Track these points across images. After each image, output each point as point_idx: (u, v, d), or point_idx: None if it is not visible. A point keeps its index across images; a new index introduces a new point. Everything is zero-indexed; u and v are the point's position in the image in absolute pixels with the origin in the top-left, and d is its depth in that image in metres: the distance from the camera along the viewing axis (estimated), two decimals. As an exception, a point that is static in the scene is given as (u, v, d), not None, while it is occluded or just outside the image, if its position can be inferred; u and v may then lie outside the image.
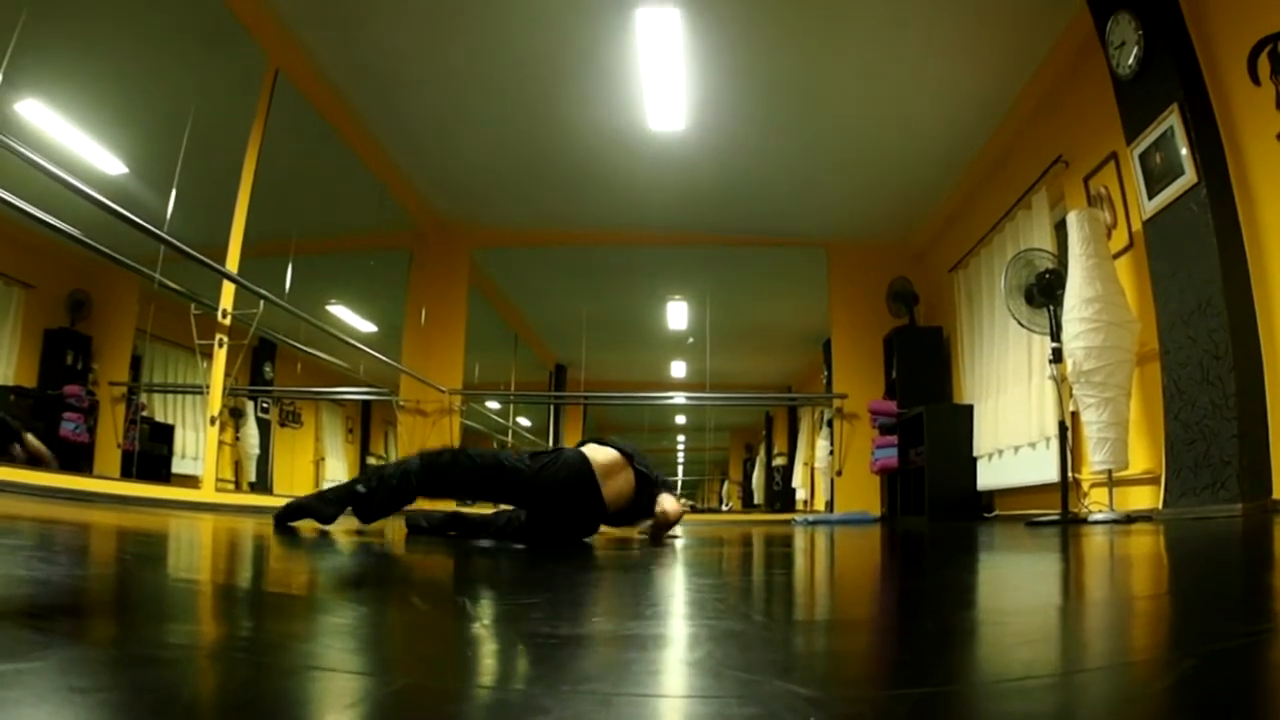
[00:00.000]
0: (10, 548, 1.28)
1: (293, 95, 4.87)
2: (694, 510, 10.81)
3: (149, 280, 3.78)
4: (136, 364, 4.50)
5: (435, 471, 2.60)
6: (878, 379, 7.16)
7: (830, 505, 7.31)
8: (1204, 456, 3.03)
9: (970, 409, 5.66)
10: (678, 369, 9.88)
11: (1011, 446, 4.98)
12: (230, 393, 4.37)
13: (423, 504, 2.72)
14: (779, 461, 10.15)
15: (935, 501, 5.48)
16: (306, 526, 2.52)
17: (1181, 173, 3.19)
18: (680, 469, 11.83)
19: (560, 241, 7.69)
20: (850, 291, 7.51)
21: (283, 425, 6.16)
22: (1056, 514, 3.84)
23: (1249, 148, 3.07)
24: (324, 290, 6.33)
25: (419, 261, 7.37)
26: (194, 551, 1.77)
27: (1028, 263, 4.17)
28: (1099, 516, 3.50)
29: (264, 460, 5.64)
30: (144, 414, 4.51)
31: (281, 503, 2.64)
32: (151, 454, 4.44)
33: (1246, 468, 2.85)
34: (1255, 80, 2.95)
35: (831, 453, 7.27)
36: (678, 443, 11.81)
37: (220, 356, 4.13)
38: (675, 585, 1.34)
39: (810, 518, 6.93)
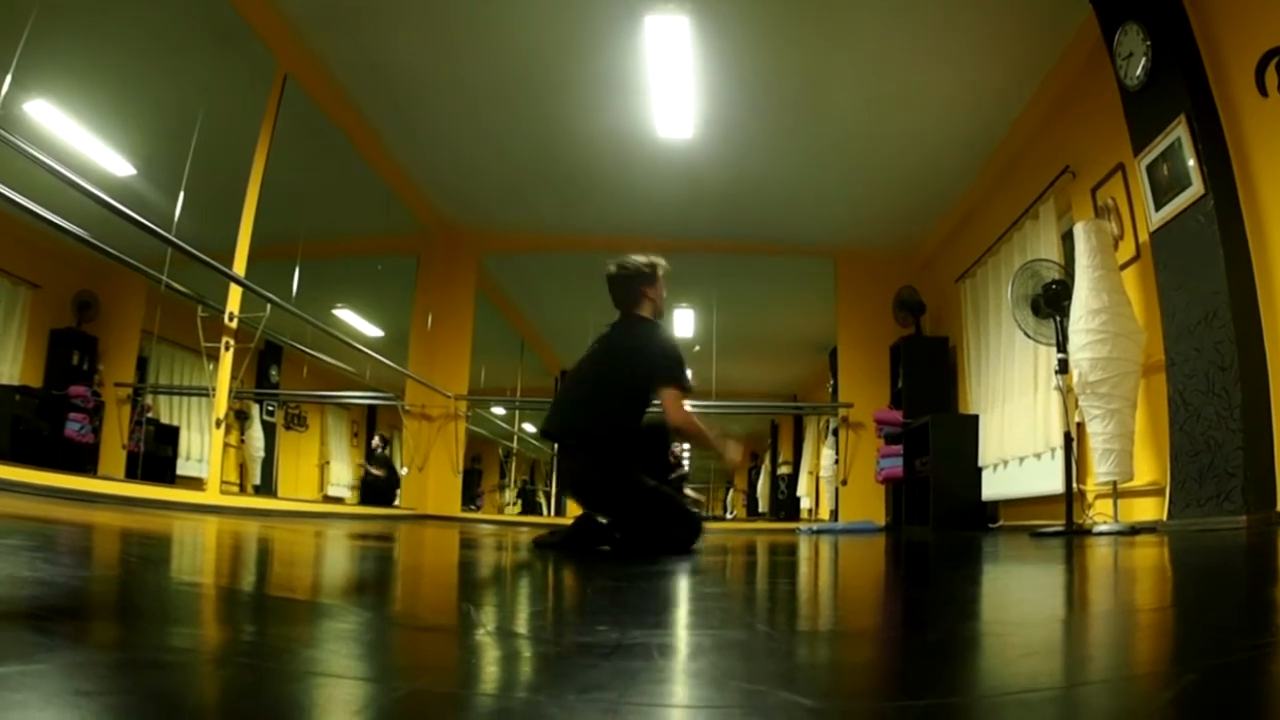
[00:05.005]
0: (14, 548, 1.29)
1: (301, 99, 4.88)
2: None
3: (156, 282, 3.79)
4: (142, 365, 4.52)
5: None
6: (883, 388, 7.14)
7: (835, 514, 7.28)
8: (1209, 468, 3.02)
9: (976, 419, 5.64)
10: (683, 376, 9.85)
11: (1017, 457, 4.96)
12: (236, 395, 4.38)
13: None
14: (784, 470, 10.12)
15: (940, 511, 5.46)
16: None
17: (1188, 184, 3.19)
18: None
19: (568, 247, 7.69)
20: (857, 300, 7.50)
21: (288, 428, 6.17)
22: (1061, 525, 3.82)
23: (1256, 159, 3.06)
24: (331, 294, 6.35)
25: (426, 266, 7.38)
26: (198, 554, 1.78)
27: (1034, 273, 4.17)
28: (1103, 528, 3.49)
29: (269, 463, 5.66)
30: (149, 415, 4.52)
31: (286, 505, 2.64)
32: (156, 455, 4.45)
33: (1251, 480, 2.83)
34: (1263, 91, 2.95)
35: (837, 462, 7.26)
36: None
37: (226, 359, 4.14)
38: (679, 593, 1.34)
39: (815, 527, 6.92)
